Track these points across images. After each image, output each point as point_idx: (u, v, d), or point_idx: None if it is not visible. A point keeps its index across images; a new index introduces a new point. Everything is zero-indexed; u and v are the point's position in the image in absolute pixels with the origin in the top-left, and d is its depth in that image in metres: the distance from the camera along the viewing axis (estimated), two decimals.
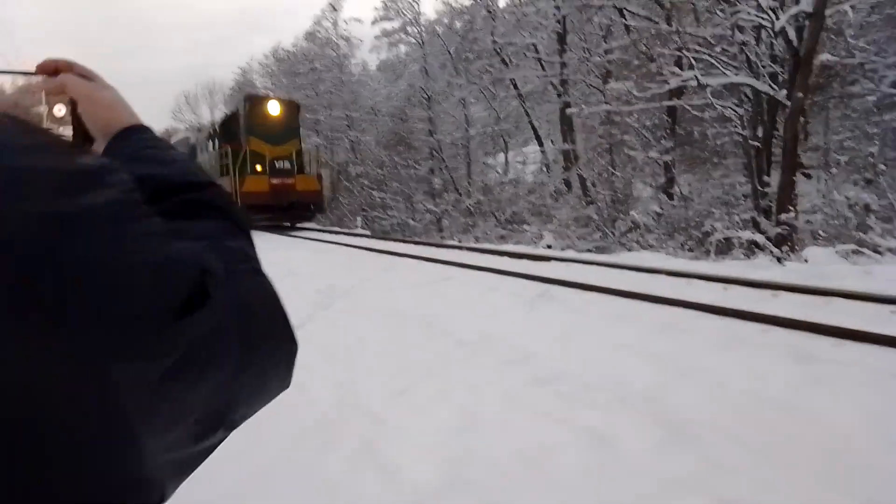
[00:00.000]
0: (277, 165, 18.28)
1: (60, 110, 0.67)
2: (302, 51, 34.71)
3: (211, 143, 21.31)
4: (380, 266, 9.97)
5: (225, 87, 53.06)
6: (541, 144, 22.01)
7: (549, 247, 12.79)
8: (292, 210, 18.47)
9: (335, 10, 31.40)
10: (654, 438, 2.92)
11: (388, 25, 27.32)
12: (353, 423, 3.24)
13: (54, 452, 0.33)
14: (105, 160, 0.42)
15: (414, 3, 26.49)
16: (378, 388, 3.77)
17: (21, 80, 0.75)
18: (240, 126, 19.06)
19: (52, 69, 0.68)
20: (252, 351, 0.50)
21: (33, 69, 0.69)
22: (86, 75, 0.69)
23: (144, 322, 0.39)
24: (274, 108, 18.87)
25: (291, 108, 19.96)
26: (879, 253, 9.18)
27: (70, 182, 0.38)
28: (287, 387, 0.57)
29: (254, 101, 19.35)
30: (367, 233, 20.63)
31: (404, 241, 15.10)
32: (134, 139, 0.65)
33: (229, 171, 17.82)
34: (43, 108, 0.68)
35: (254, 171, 17.84)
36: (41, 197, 0.36)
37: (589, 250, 11.97)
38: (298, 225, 20.02)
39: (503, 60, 20.87)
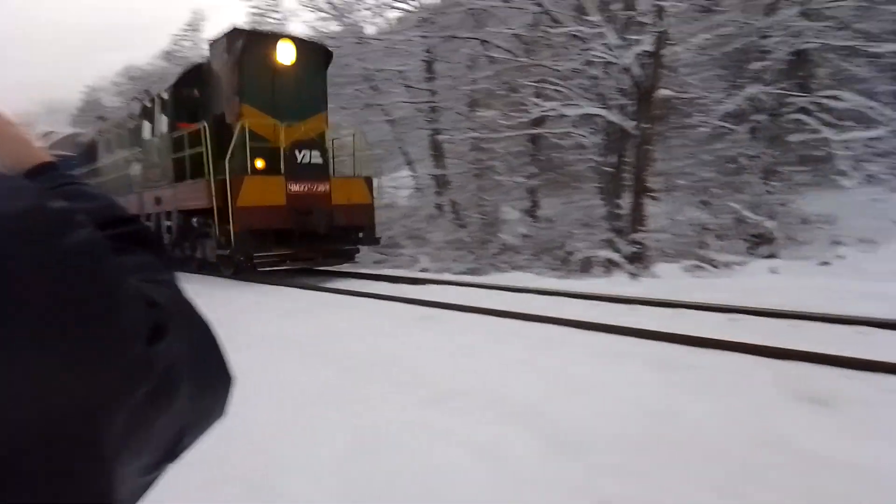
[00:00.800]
0: (300, 157, 10.30)
1: None
2: (159, 70, 32.91)
3: (151, 125, 12.69)
4: (250, 293, 9.60)
5: (71, 107, 48.67)
6: (413, 170, 22.36)
7: (426, 269, 12.98)
8: (328, 240, 10.77)
9: (195, 30, 30.20)
10: (541, 448, 3.09)
11: None
12: (241, 455, 3.12)
13: (38, 475, 0.33)
14: (64, 202, 0.43)
15: (281, 25, 26.14)
16: (263, 417, 3.64)
17: None
18: (220, 85, 10.78)
19: None
20: (201, 381, 0.52)
21: None
22: None
23: (130, 349, 0.41)
24: (286, 54, 10.60)
25: (316, 55, 11.41)
26: (716, 267, 10.29)
27: (51, 223, 0.39)
28: (222, 416, 0.58)
29: (250, 41, 10.38)
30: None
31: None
32: (50, 175, 0.63)
33: (202, 167, 9.96)
34: None
35: (254, 169, 10.09)
36: (33, 240, 0.37)
37: (464, 272, 12.30)
38: (323, 267, 11.91)
39: (372, 87, 21.04)
